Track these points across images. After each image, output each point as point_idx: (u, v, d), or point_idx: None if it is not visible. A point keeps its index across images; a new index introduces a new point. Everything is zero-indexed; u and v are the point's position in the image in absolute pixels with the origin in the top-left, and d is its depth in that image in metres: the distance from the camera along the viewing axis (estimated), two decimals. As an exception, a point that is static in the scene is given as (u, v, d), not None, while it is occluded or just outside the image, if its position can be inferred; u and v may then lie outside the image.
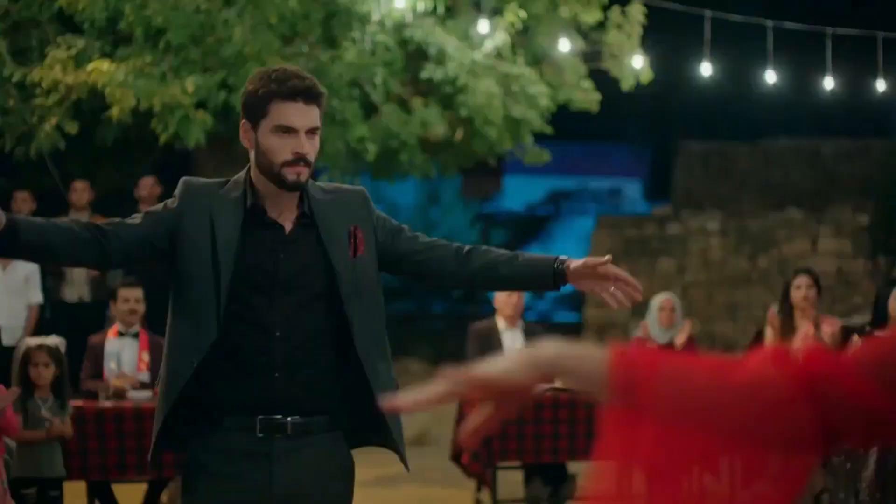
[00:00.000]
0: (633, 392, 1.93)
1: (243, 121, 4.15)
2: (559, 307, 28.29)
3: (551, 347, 2.11)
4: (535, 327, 9.75)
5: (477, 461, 8.55)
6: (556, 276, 4.22)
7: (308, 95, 4.08)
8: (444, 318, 24.55)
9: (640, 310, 18.77)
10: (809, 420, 1.86)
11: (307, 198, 4.19)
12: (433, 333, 21.65)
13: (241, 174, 4.22)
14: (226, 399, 4.14)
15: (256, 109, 4.09)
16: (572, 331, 21.02)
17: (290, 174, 4.05)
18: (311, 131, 4.08)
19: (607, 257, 4.16)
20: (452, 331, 19.81)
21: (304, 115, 4.07)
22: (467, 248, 4.37)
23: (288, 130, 4.05)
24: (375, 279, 4.32)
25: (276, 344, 4.13)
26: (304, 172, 4.07)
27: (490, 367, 2.07)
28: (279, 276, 4.16)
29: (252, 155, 4.15)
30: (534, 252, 4.75)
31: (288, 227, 4.20)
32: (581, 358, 2.06)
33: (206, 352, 4.08)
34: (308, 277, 4.19)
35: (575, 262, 4.19)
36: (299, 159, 4.04)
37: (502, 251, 4.36)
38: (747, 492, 1.88)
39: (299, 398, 4.14)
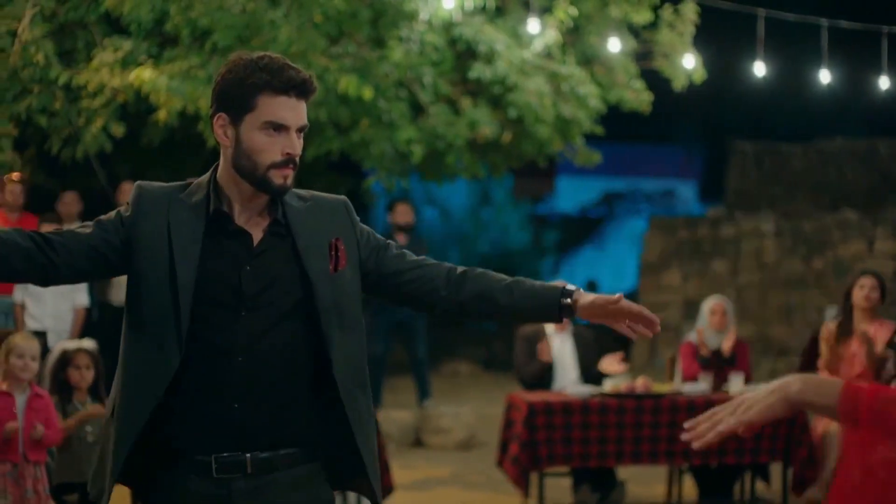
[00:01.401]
0: (856, 409, 2.65)
1: (220, 114, 3.67)
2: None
3: (797, 384, 2.77)
4: (585, 332, 9.60)
5: (517, 466, 8.40)
6: (562, 310, 3.78)
7: (303, 90, 3.66)
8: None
9: (692, 312, 18.60)
10: None
11: (281, 204, 3.74)
12: (482, 335, 21.54)
13: (205, 176, 3.78)
14: (181, 433, 3.64)
15: (241, 101, 3.63)
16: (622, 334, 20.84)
17: (277, 177, 3.63)
18: (301, 130, 3.67)
19: (618, 296, 3.70)
20: (501, 332, 19.71)
21: (296, 112, 3.64)
22: (460, 270, 3.90)
23: (279, 128, 3.62)
24: (357, 299, 3.84)
25: (237, 369, 3.63)
26: (291, 176, 3.66)
27: (751, 409, 2.79)
28: (244, 292, 3.65)
29: (229, 153, 3.67)
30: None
31: (257, 235, 3.72)
32: (820, 391, 2.75)
33: (170, 382, 3.60)
34: (277, 293, 3.68)
35: (584, 298, 3.74)
36: (289, 160, 3.63)
37: (501, 277, 3.88)
38: None
39: (262, 431, 3.65)
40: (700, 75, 11.84)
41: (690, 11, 11.79)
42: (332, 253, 3.76)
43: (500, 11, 11.54)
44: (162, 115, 10.13)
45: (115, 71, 10.15)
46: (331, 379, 3.70)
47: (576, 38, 11.79)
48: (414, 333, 13.13)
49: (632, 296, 21.99)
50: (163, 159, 13.89)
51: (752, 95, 15.47)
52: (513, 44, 11.12)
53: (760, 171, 23.77)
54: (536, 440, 8.36)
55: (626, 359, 9.44)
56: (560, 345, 9.47)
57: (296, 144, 3.64)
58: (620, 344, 19.39)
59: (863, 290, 8.93)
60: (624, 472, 9.62)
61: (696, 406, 8.50)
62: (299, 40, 9.86)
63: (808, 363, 11.10)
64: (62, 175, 13.59)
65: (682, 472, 9.30)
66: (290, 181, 3.65)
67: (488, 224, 27.49)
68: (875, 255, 19.63)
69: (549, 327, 9.46)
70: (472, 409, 13.09)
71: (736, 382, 8.88)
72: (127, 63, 10.20)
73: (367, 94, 9.87)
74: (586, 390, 8.72)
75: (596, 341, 9.65)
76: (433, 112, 10.95)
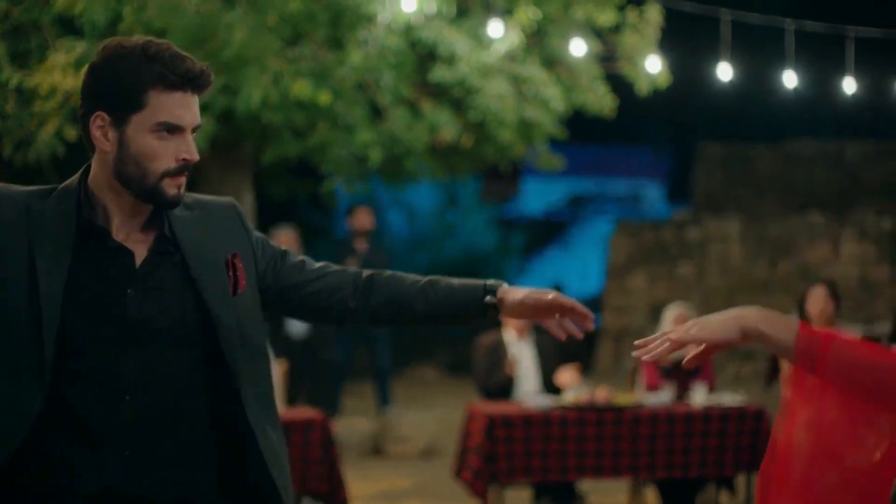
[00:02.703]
0: (814, 357, 2.79)
1: (98, 113, 3.11)
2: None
3: (755, 314, 2.89)
4: (547, 340, 9.41)
5: (479, 479, 8.21)
6: (486, 310, 3.40)
7: (200, 83, 3.15)
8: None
9: (658, 316, 18.49)
10: None
11: (167, 216, 3.20)
12: (449, 338, 21.36)
13: (72, 181, 3.22)
14: (57, 484, 3.08)
15: (126, 98, 3.08)
16: (588, 336, 20.73)
17: (170, 187, 3.11)
18: (195, 130, 3.16)
19: (552, 295, 3.31)
20: (469, 335, 19.53)
21: (192, 109, 3.13)
22: (367, 275, 3.47)
23: (174, 129, 3.09)
24: (260, 321, 3.36)
25: (125, 410, 3.09)
26: (184, 185, 3.15)
27: (706, 328, 2.91)
28: (129, 319, 3.11)
29: (109, 158, 3.13)
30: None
31: (140, 253, 3.17)
32: (776, 326, 2.86)
33: (32, 424, 3.05)
34: (169, 321, 3.15)
35: (512, 296, 3.36)
36: (185, 167, 3.13)
37: (415, 278, 3.46)
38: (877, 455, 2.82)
39: (153, 482, 3.11)
40: (665, 79, 11.69)
41: (654, 14, 11.64)
42: (230, 272, 3.27)
43: (461, 13, 11.36)
44: (115, 118, 9.91)
45: (68, 73, 9.91)
46: (240, 418, 3.20)
47: (539, 40, 11.62)
48: (376, 339, 12.95)
49: (598, 299, 21.90)
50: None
51: (719, 97, 15.32)
52: (474, 46, 10.94)
53: (728, 174, 23.70)
54: (496, 453, 8.17)
55: (585, 369, 9.29)
56: (520, 353, 9.28)
57: (192, 148, 3.13)
58: (581, 353, 19.32)
59: (817, 304, 8.87)
60: (585, 483, 9.44)
61: (659, 418, 8.35)
62: (254, 43, 9.66)
63: (775, 369, 11.08)
64: (14, 179, 13.31)
65: (643, 483, 9.13)
66: (182, 191, 3.16)
67: (454, 227, 27.32)
68: (841, 258, 19.58)
69: (510, 335, 9.27)
70: (434, 415, 12.93)
71: (699, 393, 8.73)
72: (80, 65, 9.96)
73: (324, 98, 9.68)
74: (547, 402, 8.53)
75: (557, 350, 9.46)
76: (393, 115, 10.77)
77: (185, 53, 3.13)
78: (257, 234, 3.44)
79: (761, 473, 3.09)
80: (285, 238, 11.94)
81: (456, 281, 3.48)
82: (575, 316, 3.37)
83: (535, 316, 3.41)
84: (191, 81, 3.11)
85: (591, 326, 3.39)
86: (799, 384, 2.96)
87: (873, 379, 2.81)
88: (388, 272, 3.51)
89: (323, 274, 3.47)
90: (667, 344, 3.01)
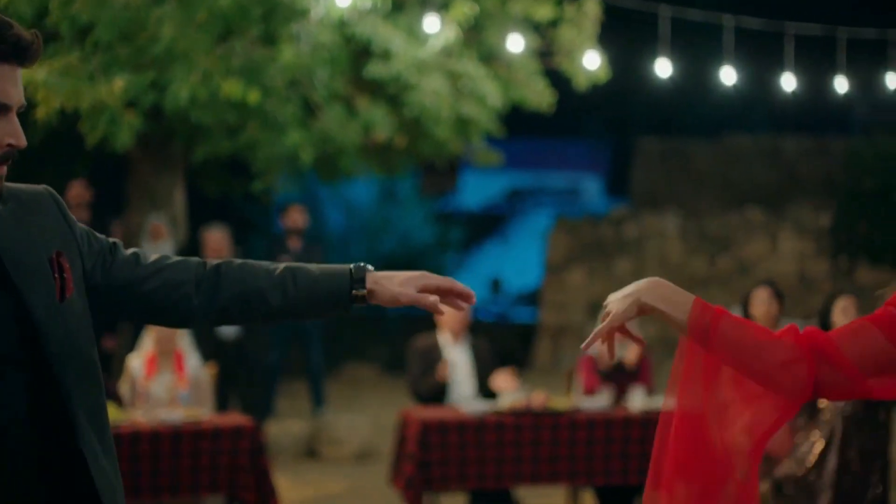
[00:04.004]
0: (707, 331, 2.91)
1: None
2: (515, 306, 27.93)
3: (648, 294, 3.00)
4: (482, 343, 9.24)
5: (411, 488, 8.01)
6: (354, 301, 3.01)
7: (30, 55, 2.71)
8: (399, 321, 24.06)
9: (596, 312, 18.39)
10: (807, 374, 2.88)
11: None
12: (388, 337, 21.16)
13: None
14: None
15: None
16: (527, 332, 20.63)
17: None
18: (20, 110, 2.70)
19: (427, 280, 3.00)
20: (405, 331, 19.30)
21: (18, 86, 2.69)
22: (212, 266, 3.03)
23: (1, 109, 2.66)
24: (90, 329, 2.87)
25: None
26: (4, 175, 2.71)
27: (611, 314, 3.06)
28: None
29: None
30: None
31: None
32: (672, 302, 2.98)
33: None
34: None
35: (384, 286, 2.99)
36: (10, 154, 2.69)
37: (269, 267, 3.02)
38: (760, 414, 2.95)
39: None
40: (604, 74, 11.56)
41: (593, 8, 11.51)
42: (56, 274, 2.77)
43: (396, 8, 11.17)
44: (41, 112, 9.63)
45: (-10, 68, 9.66)
46: (71, 445, 2.75)
47: (475, 35, 11.46)
48: (310, 339, 12.74)
49: (536, 293, 21.79)
50: (44, 162, 13.35)
51: (658, 92, 15.24)
52: (410, 42, 10.76)
53: (666, 168, 23.68)
54: (430, 460, 7.97)
55: (523, 366, 9.12)
56: (455, 357, 9.08)
57: (19, 131, 2.68)
58: (517, 357, 19.20)
59: (761, 305, 8.76)
60: (522, 489, 9.26)
61: (596, 423, 8.20)
62: (184, 38, 9.43)
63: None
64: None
65: (580, 489, 8.97)
66: (2, 183, 2.73)
67: (392, 221, 27.12)
68: (779, 254, 19.57)
69: (445, 338, 9.08)
70: (369, 417, 12.73)
71: (637, 396, 8.58)
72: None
73: (254, 97, 9.46)
74: (482, 407, 8.34)
75: (493, 353, 9.28)
76: (326, 113, 10.57)
77: (9, 19, 2.69)
78: (81, 225, 2.95)
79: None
80: (216, 238, 11.70)
81: (316, 269, 3.05)
82: (453, 294, 3.05)
83: (411, 302, 3.04)
84: (21, 52, 2.69)
85: (472, 301, 3.07)
86: (691, 361, 3.04)
87: (757, 358, 2.93)
88: (239, 261, 3.06)
89: (161, 268, 2.99)
90: (598, 341, 3.13)
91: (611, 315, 3.08)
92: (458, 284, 3.04)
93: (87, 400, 2.79)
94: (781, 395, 2.93)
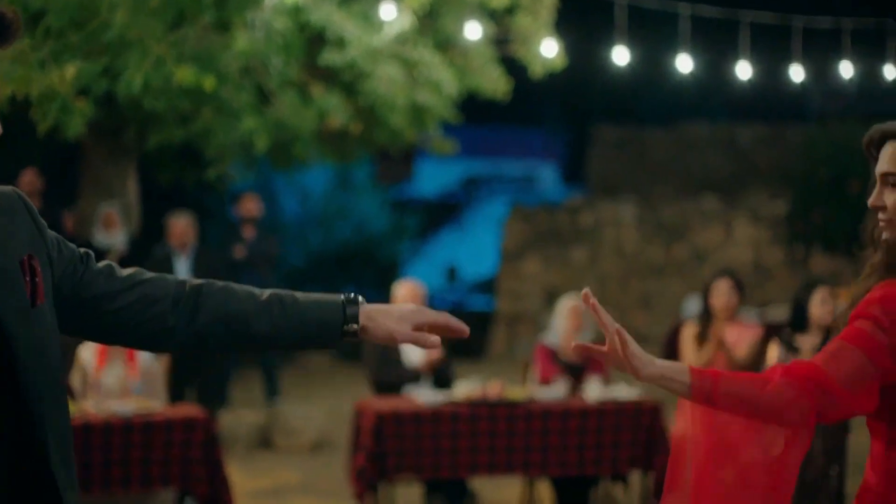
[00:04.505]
0: (710, 395, 3.06)
1: None
2: (471, 294, 27.91)
3: (651, 364, 3.18)
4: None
5: (361, 479, 7.93)
6: (343, 336, 2.79)
7: (10, 34, 2.50)
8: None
9: (552, 300, 18.39)
10: (810, 407, 3.04)
11: None
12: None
13: None
14: None
15: None
16: (483, 320, 20.60)
17: None
18: None
19: (424, 315, 2.82)
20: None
21: None
22: (193, 286, 2.76)
23: None
24: (58, 346, 2.62)
25: None
26: None
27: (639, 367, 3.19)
28: None
29: None
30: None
31: None
32: (670, 365, 3.17)
33: None
34: None
35: (379, 322, 2.78)
36: None
37: (252, 292, 2.77)
38: (774, 451, 3.07)
39: None
40: (560, 62, 11.51)
41: (549, -4, 11.46)
42: (27, 278, 2.53)
43: (351, -6, 11.09)
44: (-8, 100, 9.51)
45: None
46: (43, 477, 2.54)
47: (431, 22, 11.38)
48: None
49: (492, 281, 21.76)
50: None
51: (614, 80, 15.21)
52: (365, 29, 10.67)
53: (622, 156, 23.68)
54: (385, 450, 7.90)
55: (479, 355, 9.06)
56: (410, 347, 9.02)
57: None
58: (475, 344, 19.14)
59: (722, 297, 8.77)
60: (477, 479, 9.21)
61: (552, 413, 8.15)
62: (136, 24, 9.31)
63: (670, 355, 10.99)
64: None
65: (536, 479, 8.93)
66: None
67: (348, 208, 27.01)
68: (734, 242, 19.60)
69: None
70: (325, 406, 12.65)
71: (593, 386, 8.54)
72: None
73: (208, 84, 9.35)
74: (437, 397, 8.28)
75: (449, 342, 9.20)
76: (281, 100, 10.47)
77: None
78: (51, 232, 2.71)
79: (660, 470, 3.36)
80: (182, 224, 11.60)
81: (304, 298, 2.81)
82: (449, 331, 2.87)
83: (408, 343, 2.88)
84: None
85: (466, 335, 2.89)
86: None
87: (762, 405, 3.07)
88: (222, 283, 2.81)
89: (136, 282, 2.72)
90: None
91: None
92: (452, 320, 2.86)
93: (57, 422, 2.57)
94: (789, 429, 3.09)
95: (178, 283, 2.76)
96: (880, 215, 3.28)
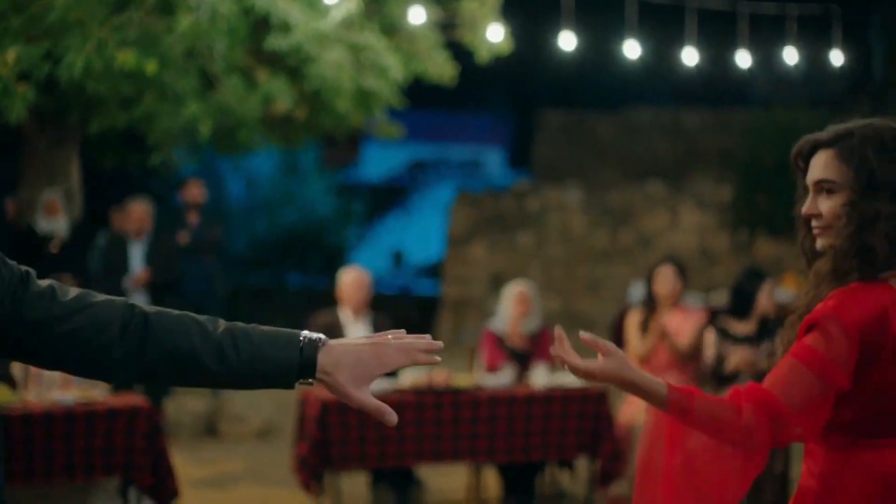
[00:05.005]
0: (686, 411, 3.15)
1: None
2: (417, 279, 27.88)
3: (630, 372, 3.21)
4: (383, 319, 9.11)
5: (304, 469, 7.87)
6: (301, 375, 2.56)
7: None
8: (301, 294, 23.88)
9: (498, 286, 18.37)
10: (766, 436, 3.14)
11: None
12: (288, 309, 20.97)
13: None
14: None
15: None
16: (429, 305, 20.55)
17: None
18: None
19: (393, 349, 2.60)
20: (311, 306, 19.08)
21: None
22: (143, 313, 2.55)
23: None
24: None
25: None
26: None
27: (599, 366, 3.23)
28: None
29: None
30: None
31: None
32: (647, 379, 3.22)
33: None
34: None
35: (338, 380, 2.55)
36: None
37: (206, 325, 2.55)
38: (734, 472, 3.18)
39: None
40: (507, 46, 11.46)
41: (495, -19, 11.41)
42: None
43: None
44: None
45: None
46: None
47: (377, 7, 11.31)
48: (208, 313, 12.53)
49: (438, 265, 21.70)
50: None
51: (561, 65, 15.19)
52: (310, 13, 10.58)
53: (568, 141, 23.68)
54: (329, 440, 7.83)
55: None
56: (356, 333, 8.97)
57: None
58: (422, 329, 19.09)
59: (665, 284, 8.78)
60: (424, 467, 9.17)
61: (499, 400, 8.12)
62: (78, 7, 9.19)
63: (616, 341, 10.99)
64: None
65: (481, 467, 8.90)
66: None
67: (294, 193, 26.88)
68: (680, 227, 19.64)
69: (346, 315, 8.97)
70: (270, 394, 12.57)
71: (540, 373, 8.51)
72: None
73: (150, 68, 9.24)
74: (383, 385, 8.22)
75: (395, 328, 9.14)
76: (225, 85, 10.37)
77: None
78: None
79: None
80: (140, 210, 11.47)
81: (260, 336, 2.57)
82: (421, 354, 2.63)
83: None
84: None
85: (440, 347, 2.67)
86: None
87: (726, 428, 3.17)
88: (175, 313, 2.58)
89: (82, 307, 2.51)
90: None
91: (596, 370, 3.23)
92: (419, 343, 2.64)
93: None
94: (747, 453, 3.20)
95: (126, 307, 2.55)
96: (814, 223, 3.33)
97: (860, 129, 3.31)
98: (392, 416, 2.58)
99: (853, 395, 3.16)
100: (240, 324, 2.60)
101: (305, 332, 2.61)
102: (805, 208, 3.34)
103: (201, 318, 2.57)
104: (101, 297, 2.55)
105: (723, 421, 3.15)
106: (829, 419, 3.20)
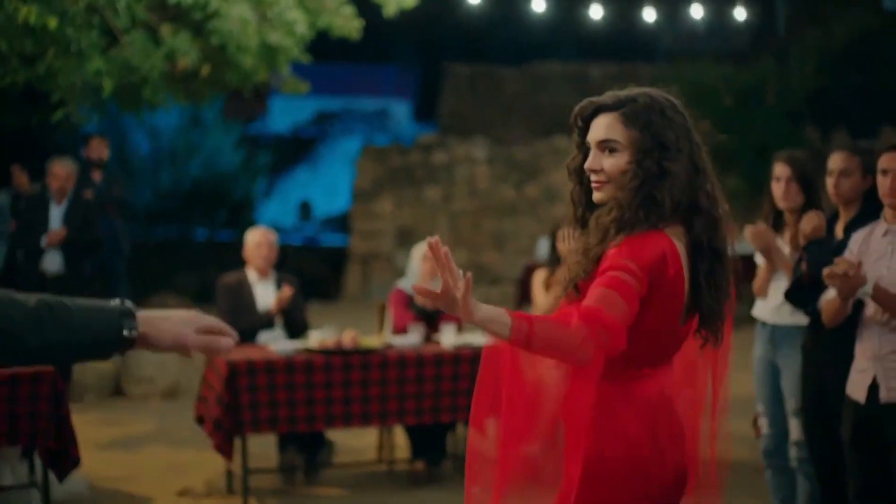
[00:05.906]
0: (528, 338, 3.26)
1: None
2: (324, 231, 27.77)
3: (479, 308, 3.30)
4: (289, 278, 9.04)
5: (218, 431, 7.80)
6: (121, 347, 2.61)
7: None
8: (207, 247, 23.69)
9: (405, 240, 18.34)
10: (595, 350, 3.31)
11: None
12: (195, 265, 20.80)
13: None
14: None
15: None
16: (336, 257, 20.49)
17: None
18: None
19: (197, 324, 2.68)
20: (217, 260, 18.92)
21: None
22: None
23: None
24: None
25: None
26: None
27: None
28: None
29: None
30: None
31: None
32: (494, 309, 3.31)
33: None
34: None
35: (160, 327, 2.64)
36: None
37: (24, 301, 2.53)
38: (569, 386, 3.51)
39: None
40: (413, 1, 11.39)
41: (403, -66, 11.30)
42: None
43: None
44: None
45: None
46: None
47: (283, -39, 11.17)
48: (114, 274, 12.42)
49: (345, 218, 21.62)
50: None
51: (468, 18, 15.14)
52: (214, -33, 10.43)
53: (474, 94, 23.65)
54: (239, 404, 7.75)
55: (333, 296, 8.96)
56: (263, 293, 8.90)
57: None
58: (328, 288, 19.05)
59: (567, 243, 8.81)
60: (331, 433, 9.12)
61: (408, 361, 8.09)
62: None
63: (523, 295, 11.07)
64: None
65: (390, 428, 8.88)
66: None
67: (199, 146, 26.58)
68: (587, 180, 19.70)
69: (252, 275, 8.89)
70: (176, 355, 12.47)
71: (449, 333, 8.49)
72: None
73: (52, 23, 9.06)
74: (291, 346, 8.16)
75: (303, 287, 9.10)
76: (128, 41, 10.19)
77: None
78: None
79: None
80: (66, 170, 11.24)
81: (76, 307, 2.58)
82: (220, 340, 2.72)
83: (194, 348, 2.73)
84: None
85: (236, 338, 2.78)
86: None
87: (563, 346, 3.30)
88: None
89: None
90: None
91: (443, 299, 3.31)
92: (227, 328, 2.72)
93: None
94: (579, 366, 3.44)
95: None
96: (594, 177, 3.68)
97: (642, 97, 3.70)
98: (227, 342, 2.71)
99: (630, 330, 3.43)
100: (52, 298, 2.57)
101: (116, 301, 2.63)
102: (588, 164, 3.67)
103: (20, 295, 2.53)
104: None
105: (558, 338, 3.28)
106: None
